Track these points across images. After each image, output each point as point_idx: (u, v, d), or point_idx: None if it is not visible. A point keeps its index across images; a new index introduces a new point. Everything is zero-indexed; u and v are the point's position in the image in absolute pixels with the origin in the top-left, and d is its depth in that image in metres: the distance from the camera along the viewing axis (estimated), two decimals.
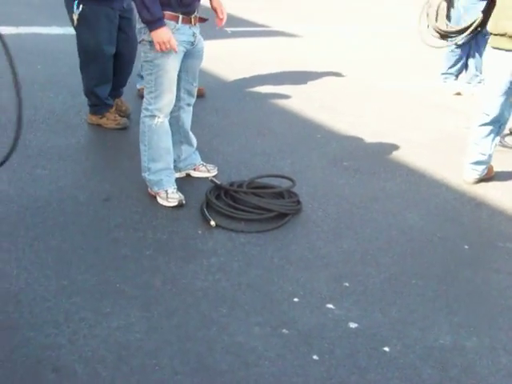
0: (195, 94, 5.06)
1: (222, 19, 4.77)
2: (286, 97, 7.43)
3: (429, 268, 4.23)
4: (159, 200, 4.80)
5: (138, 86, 7.02)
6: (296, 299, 3.76)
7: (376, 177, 5.56)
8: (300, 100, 7.36)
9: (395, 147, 6.16)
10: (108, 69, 6.06)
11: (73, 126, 6.15)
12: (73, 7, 5.67)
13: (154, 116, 4.68)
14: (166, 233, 4.41)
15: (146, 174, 4.84)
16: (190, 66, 4.81)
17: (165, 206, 4.74)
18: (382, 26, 12.18)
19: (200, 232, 4.45)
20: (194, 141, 5.23)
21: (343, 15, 12.52)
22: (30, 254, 4.00)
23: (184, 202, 4.78)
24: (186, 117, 5.08)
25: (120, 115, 6.31)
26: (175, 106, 4.87)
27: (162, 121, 4.70)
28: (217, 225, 4.51)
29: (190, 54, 4.72)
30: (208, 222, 4.53)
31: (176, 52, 4.49)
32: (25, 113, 5.78)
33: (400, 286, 3.99)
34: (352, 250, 4.38)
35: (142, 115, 4.74)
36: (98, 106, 6.16)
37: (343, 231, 4.64)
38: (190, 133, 5.17)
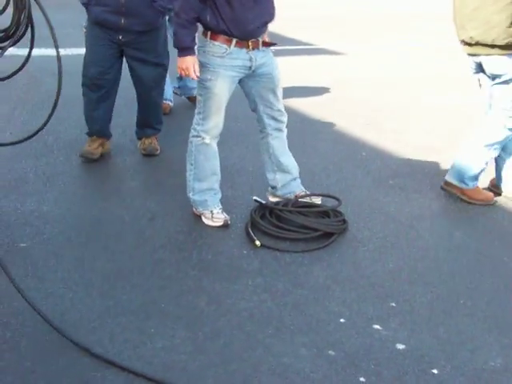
0: (283, 118, 4.92)
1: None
2: (331, 115, 7.40)
3: (477, 287, 4.16)
4: (204, 220, 4.79)
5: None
6: (342, 320, 3.72)
7: (422, 195, 5.49)
8: (344, 118, 7.32)
9: (441, 165, 6.08)
10: (92, 93, 5.73)
11: (118, 146, 6.19)
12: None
13: (200, 137, 4.67)
14: (210, 253, 4.40)
15: (190, 194, 4.83)
16: (260, 93, 4.75)
17: (210, 226, 4.74)
18: (423, 41, 12.10)
19: (245, 252, 4.43)
20: (293, 167, 5.09)
21: (384, 31, 12.48)
22: (75, 274, 4.03)
23: (229, 222, 4.76)
24: (277, 143, 4.95)
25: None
26: (262, 132, 4.89)
27: (209, 142, 4.68)
28: (262, 244, 4.49)
29: (255, 80, 4.69)
30: (253, 241, 4.51)
31: (196, 79, 4.52)
32: (72, 133, 5.90)
33: (448, 306, 3.92)
34: (398, 269, 4.32)
35: (190, 135, 4.74)
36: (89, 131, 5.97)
37: (389, 250, 4.58)
38: (287, 158, 5.03)
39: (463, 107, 7.89)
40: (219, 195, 4.86)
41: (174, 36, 4.41)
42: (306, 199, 5.06)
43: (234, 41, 4.46)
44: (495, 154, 5.35)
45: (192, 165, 4.77)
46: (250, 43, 4.51)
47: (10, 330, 3.46)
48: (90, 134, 5.88)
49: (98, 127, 5.86)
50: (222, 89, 4.55)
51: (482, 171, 5.39)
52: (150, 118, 6.10)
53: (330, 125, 7.13)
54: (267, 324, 3.64)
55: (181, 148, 5.93)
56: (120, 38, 5.50)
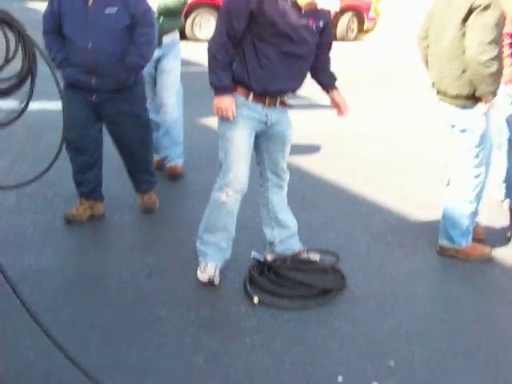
0: (285, 176, 4.94)
1: (343, 113, 5.07)
2: (330, 171, 7.42)
3: (477, 345, 4.15)
4: (197, 272, 4.76)
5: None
6: (340, 378, 3.70)
7: (420, 251, 5.50)
8: (344, 174, 7.35)
9: (439, 220, 6.09)
10: (77, 157, 5.61)
11: (117, 200, 6.19)
12: None
13: (222, 190, 4.61)
14: (209, 310, 4.39)
15: (198, 243, 4.80)
16: (269, 150, 4.77)
17: (208, 282, 4.72)
18: (421, 94, 12.18)
19: (243, 309, 4.42)
20: (291, 224, 5.06)
21: (382, 85, 12.55)
22: (72, 330, 4.01)
23: (216, 282, 4.68)
24: (276, 199, 4.94)
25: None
26: (263, 186, 4.88)
27: (231, 197, 4.59)
28: (260, 301, 4.49)
29: (267, 137, 4.70)
30: (251, 298, 4.50)
31: (232, 119, 4.47)
32: (72, 186, 5.90)
33: (447, 365, 3.91)
34: (397, 327, 4.31)
35: (213, 186, 4.70)
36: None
37: (388, 307, 4.58)
38: (285, 215, 5.02)
39: None
40: (225, 254, 4.78)
41: (213, 76, 4.40)
42: (304, 255, 5.06)
43: (252, 94, 4.48)
44: (475, 205, 5.36)
45: (206, 215, 4.75)
46: (266, 99, 4.54)
47: None
48: (80, 195, 5.81)
49: (87, 190, 5.75)
50: (242, 138, 4.53)
51: (470, 225, 5.40)
52: (141, 175, 5.98)
53: (330, 181, 7.15)
54: (265, 382, 3.62)
55: (179, 203, 5.96)
56: (93, 98, 5.35)
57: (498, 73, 4.87)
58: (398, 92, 11.64)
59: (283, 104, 4.68)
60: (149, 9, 5.33)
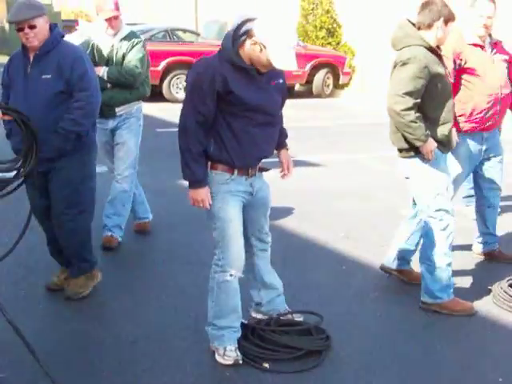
0: (269, 239, 4.96)
1: (286, 174, 4.91)
2: (310, 228, 7.45)
3: None
4: (217, 357, 4.62)
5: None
6: None
7: (403, 308, 5.50)
8: (324, 231, 7.38)
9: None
10: (44, 232, 5.61)
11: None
12: None
13: (225, 272, 4.56)
14: (193, 375, 4.37)
15: (209, 328, 4.71)
16: (252, 218, 4.77)
17: (192, 350, 4.70)
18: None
19: (228, 374, 4.40)
20: (277, 284, 5.08)
21: (366, 144, 12.65)
22: None
23: (241, 361, 4.58)
24: (262, 263, 4.95)
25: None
26: (248, 252, 4.82)
27: (230, 279, 4.57)
28: (244, 363, 4.46)
29: (251, 205, 4.70)
30: (236, 362, 4.48)
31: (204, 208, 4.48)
32: None
33: None
34: None
35: (211, 271, 4.64)
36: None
37: (373, 367, 4.57)
38: (271, 277, 5.03)
39: None
40: (238, 334, 4.71)
41: (186, 170, 4.39)
42: (288, 317, 5.05)
43: (236, 170, 4.47)
44: (448, 257, 5.41)
45: (213, 302, 4.66)
46: (249, 171, 4.56)
47: None
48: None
49: (61, 260, 5.69)
50: (235, 213, 4.53)
51: (448, 279, 5.43)
52: (71, 256, 5.60)
53: (310, 238, 7.17)
54: None
55: (159, 266, 5.95)
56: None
57: (419, 119, 5.13)
58: (374, 148, 11.72)
59: (261, 170, 4.72)
60: (84, 74, 5.14)
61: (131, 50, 6.52)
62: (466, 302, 5.51)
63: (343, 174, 10.04)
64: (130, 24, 23.74)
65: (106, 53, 6.54)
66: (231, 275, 4.56)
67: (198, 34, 20.02)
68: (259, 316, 5.09)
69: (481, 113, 6.00)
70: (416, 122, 5.10)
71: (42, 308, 5.35)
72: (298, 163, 10.26)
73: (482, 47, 6.01)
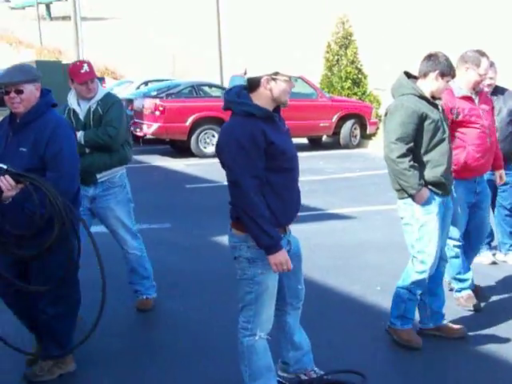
0: (302, 296, 4.85)
1: None
2: (345, 282, 7.34)
3: None
4: None
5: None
6: None
7: (445, 361, 5.36)
8: (360, 285, 7.25)
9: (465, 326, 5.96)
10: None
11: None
12: None
13: (254, 335, 4.48)
14: None
15: None
16: (289, 274, 4.60)
17: None
18: None
19: None
20: (304, 343, 4.94)
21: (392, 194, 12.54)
22: None
23: None
24: (293, 321, 4.84)
25: None
26: (281, 311, 4.74)
27: (264, 338, 4.51)
28: None
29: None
30: None
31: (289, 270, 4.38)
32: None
33: None
34: None
35: (239, 335, 4.54)
36: None
37: None
38: (301, 336, 4.91)
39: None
40: None
41: (263, 236, 4.21)
42: (331, 377, 4.93)
43: (277, 230, 4.35)
44: (411, 294, 5.63)
45: (246, 366, 4.56)
46: (286, 228, 4.51)
47: None
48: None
49: (34, 331, 5.42)
50: (274, 279, 4.46)
51: (407, 312, 5.67)
52: (45, 340, 5.27)
53: (345, 293, 7.06)
54: None
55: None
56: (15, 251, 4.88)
57: (413, 168, 5.36)
58: None
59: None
60: (58, 153, 4.87)
61: (108, 111, 6.23)
62: (415, 338, 5.68)
63: (376, 226, 9.92)
64: (157, 80, 24.29)
65: (82, 117, 6.24)
66: (259, 337, 4.49)
67: (223, 89, 20.16)
68: (285, 375, 4.97)
69: (474, 161, 6.18)
70: (410, 170, 5.34)
71: None
72: (330, 216, 10.24)
73: (472, 99, 6.22)
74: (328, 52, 22.01)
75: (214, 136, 16.82)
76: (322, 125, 17.97)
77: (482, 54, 6.14)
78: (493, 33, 33.49)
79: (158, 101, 17.23)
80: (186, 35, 46.65)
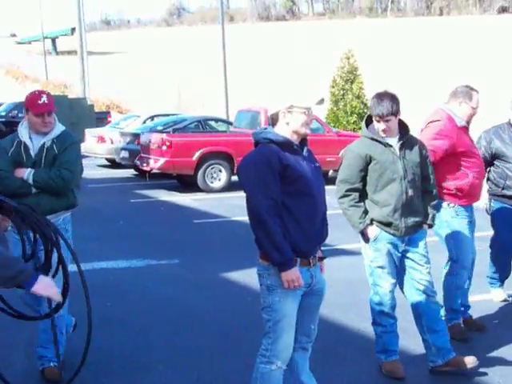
0: (313, 336, 4.83)
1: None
2: (357, 319, 7.28)
3: None
4: None
5: None
6: None
7: None
8: (369, 323, 7.19)
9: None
10: None
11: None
12: None
13: (271, 362, 4.49)
14: None
15: None
16: (308, 306, 4.66)
17: None
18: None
19: None
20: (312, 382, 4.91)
21: None
22: None
23: None
24: (301, 361, 4.79)
25: None
26: None
27: (281, 367, 4.51)
28: None
29: (306, 296, 4.60)
30: None
31: (300, 287, 4.43)
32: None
33: None
34: None
35: (257, 361, 4.56)
36: None
37: None
38: (307, 378, 4.85)
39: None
40: None
41: (275, 253, 4.31)
42: None
43: (299, 260, 4.43)
44: (379, 326, 5.89)
45: None
46: (310, 261, 4.53)
47: None
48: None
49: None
50: (292, 308, 4.48)
51: (387, 345, 5.84)
52: None
53: (358, 331, 7.02)
54: None
55: None
56: None
57: (354, 207, 5.66)
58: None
59: (320, 259, 4.69)
60: None
61: (64, 151, 5.67)
62: (397, 367, 5.80)
63: None
64: (164, 115, 24.36)
65: (33, 153, 5.66)
66: (277, 365, 4.49)
67: (230, 123, 20.24)
68: None
69: (475, 187, 6.47)
70: (349, 210, 5.69)
71: None
72: (339, 252, 10.20)
73: (468, 129, 6.57)
74: (333, 86, 22.16)
75: (220, 171, 16.85)
76: (328, 159, 17.98)
77: (472, 88, 6.42)
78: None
79: (164, 135, 17.25)
80: (191, 68, 46.98)
